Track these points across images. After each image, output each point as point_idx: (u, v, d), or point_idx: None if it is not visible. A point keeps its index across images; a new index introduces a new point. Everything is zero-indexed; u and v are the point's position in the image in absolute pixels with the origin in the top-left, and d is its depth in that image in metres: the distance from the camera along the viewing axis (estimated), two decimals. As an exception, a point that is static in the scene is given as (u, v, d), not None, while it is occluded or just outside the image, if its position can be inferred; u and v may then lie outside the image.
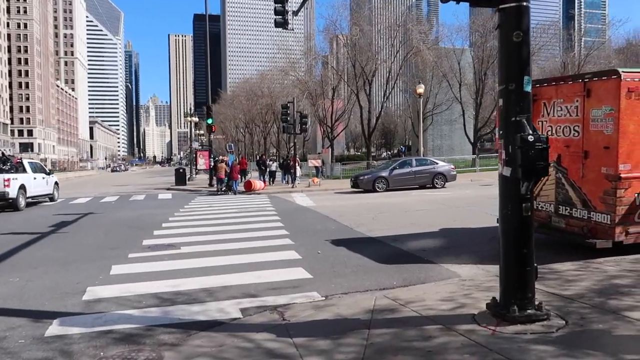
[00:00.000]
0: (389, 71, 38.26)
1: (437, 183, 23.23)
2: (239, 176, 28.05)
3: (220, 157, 35.23)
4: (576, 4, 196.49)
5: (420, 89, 28.04)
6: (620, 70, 7.42)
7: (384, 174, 22.89)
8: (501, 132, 4.76)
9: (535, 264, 4.89)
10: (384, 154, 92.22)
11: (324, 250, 9.37)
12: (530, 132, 4.50)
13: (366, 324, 4.99)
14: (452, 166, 24.80)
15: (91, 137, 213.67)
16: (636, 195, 7.63)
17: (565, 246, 8.41)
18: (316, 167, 32.65)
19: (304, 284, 7.11)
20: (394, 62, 39.45)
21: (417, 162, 23.96)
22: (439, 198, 18.65)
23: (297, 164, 31.11)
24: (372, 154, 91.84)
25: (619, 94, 7.36)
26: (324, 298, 6.35)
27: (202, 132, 58.26)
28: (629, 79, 7.38)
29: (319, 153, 38.50)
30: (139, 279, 7.54)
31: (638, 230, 7.72)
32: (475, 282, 6.43)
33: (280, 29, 15.16)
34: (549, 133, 8.73)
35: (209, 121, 32.71)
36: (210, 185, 30.67)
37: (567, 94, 8.27)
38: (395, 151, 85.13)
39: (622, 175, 7.48)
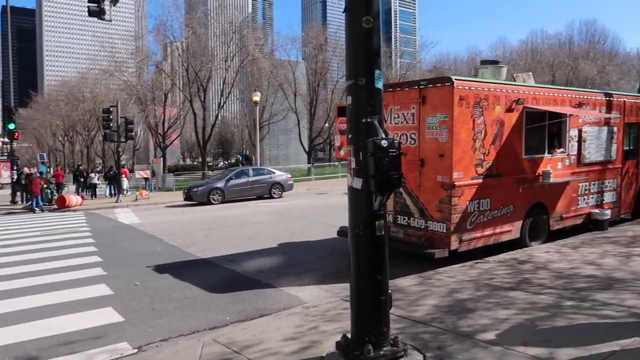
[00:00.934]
0: (224, 78, 36.92)
1: (274, 193, 22.66)
2: (50, 190, 23.97)
3: (26, 169, 29.90)
4: (392, 17, 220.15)
5: (256, 97, 27.35)
6: (453, 77, 7.41)
7: (220, 184, 21.52)
8: (350, 136, 3.96)
9: (390, 290, 4.20)
10: (221, 163, 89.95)
11: (144, 281, 7.76)
12: (383, 136, 3.77)
13: (188, 390, 3.75)
14: (289, 175, 24.51)
15: None
16: (468, 202, 7.70)
17: (405, 257, 8.19)
18: (145, 179, 29.67)
19: (112, 331, 5.52)
20: (229, 68, 38.21)
21: (254, 172, 23.11)
22: (278, 209, 17.99)
23: (125, 175, 27.86)
24: (209, 163, 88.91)
25: (452, 101, 7.32)
26: (135, 350, 4.91)
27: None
28: (460, 87, 7.40)
29: (149, 164, 35.26)
30: None
31: (471, 237, 7.80)
32: (320, 310, 5.61)
33: (106, 28, 12.90)
34: (387, 141, 8.47)
35: (11, 126, 27.38)
36: (13, 202, 25.69)
37: (403, 101, 8.08)
38: (233, 160, 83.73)
39: (456, 184, 7.46)
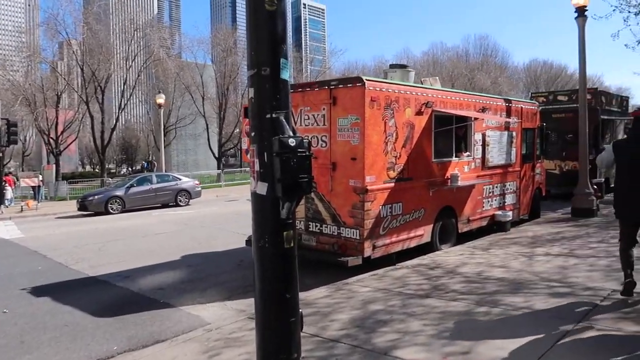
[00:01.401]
0: (124, 79, 34.38)
1: (181, 201, 21.39)
2: None
3: None
4: (302, 25, 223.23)
5: (160, 99, 25.73)
6: (364, 78, 7.15)
7: (119, 192, 19.85)
8: (253, 134, 3.42)
9: (301, 310, 3.70)
10: (124, 170, 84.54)
11: (15, 307, 6.59)
12: (291, 134, 3.28)
13: None
14: (197, 182, 23.31)
15: None
16: (381, 207, 7.48)
17: (318, 266, 7.78)
18: (33, 187, 26.75)
19: (-38, 375, 4.48)
20: (130, 68, 35.71)
21: (158, 179, 21.65)
22: (183, 217, 16.90)
23: (9, 184, 24.89)
24: (112, 170, 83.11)
25: (363, 102, 7.05)
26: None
27: None
28: (372, 88, 7.16)
29: (36, 172, 31.91)
30: None
31: (384, 242, 7.58)
32: (223, 332, 4.98)
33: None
34: (297, 144, 8.04)
35: None
36: None
37: (314, 102, 7.70)
38: (138, 167, 79.09)
39: (369, 188, 7.20)
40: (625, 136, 18.61)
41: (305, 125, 7.85)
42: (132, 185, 20.38)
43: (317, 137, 7.70)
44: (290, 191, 3.29)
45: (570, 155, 16.26)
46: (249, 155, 7.91)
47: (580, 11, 11.69)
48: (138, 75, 37.93)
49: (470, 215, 9.62)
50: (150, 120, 54.34)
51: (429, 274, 6.95)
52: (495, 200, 10.44)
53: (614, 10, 14.39)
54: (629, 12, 14.48)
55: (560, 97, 16.59)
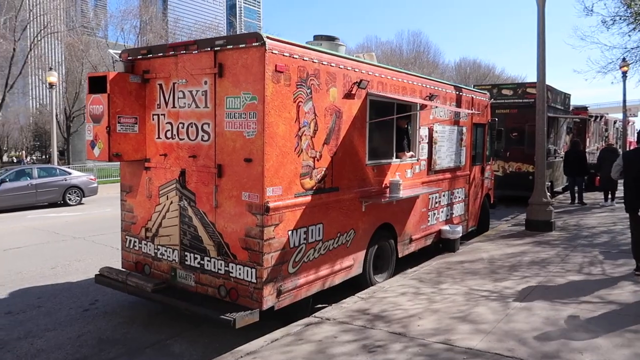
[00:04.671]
0: (12, 53, 29.09)
1: (70, 199, 17.84)
2: None
3: None
4: (237, 13, 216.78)
5: (52, 78, 21.59)
6: (264, 35, 4.61)
7: (-15, 189, 16.04)
8: None
9: None
10: (27, 159, 75.12)
11: None
12: None
13: None
14: (92, 177, 19.70)
15: None
16: (290, 233, 5.01)
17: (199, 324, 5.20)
18: None
19: None
20: (19, 40, 30.36)
21: (41, 172, 17.93)
22: (62, 222, 13.57)
23: None
24: (24, 159, 74.05)
25: (263, 72, 4.52)
26: None
27: None
28: (276, 52, 4.63)
29: None
30: None
31: (295, 284, 5.13)
32: None
33: None
34: (169, 135, 5.37)
35: None
36: None
37: (191, 71, 5.07)
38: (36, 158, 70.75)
39: (272, 205, 4.70)
40: (568, 137, 17.48)
41: (180, 107, 5.20)
42: (4, 180, 16.55)
43: (195, 125, 5.08)
44: None
45: (514, 156, 14.74)
46: (96, 152, 5.11)
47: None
48: (30, 50, 32.73)
49: (413, 233, 7.43)
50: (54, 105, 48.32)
51: (369, 336, 4.60)
52: (443, 212, 8.34)
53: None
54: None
55: (504, 91, 14.98)
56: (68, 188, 17.98)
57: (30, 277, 7.62)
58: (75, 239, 10.84)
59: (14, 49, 29.79)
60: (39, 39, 32.63)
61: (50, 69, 25.00)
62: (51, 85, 21.90)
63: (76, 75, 38.26)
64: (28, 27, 32.14)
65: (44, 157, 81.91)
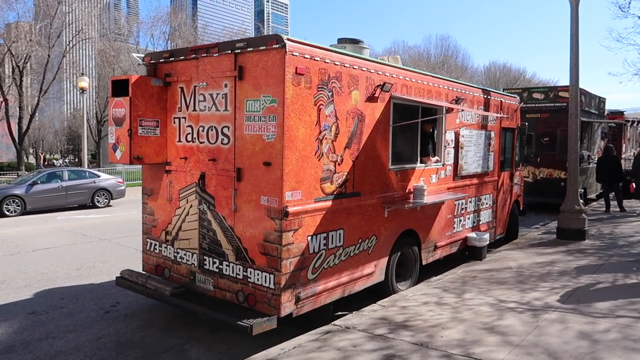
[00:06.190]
0: (46, 59, 29.96)
1: (98, 201, 18.19)
2: None
3: None
4: (264, 19, 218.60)
5: (83, 83, 22.19)
6: (284, 36, 4.54)
7: (19, 191, 16.45)
8: None
9: None
10: (60, 162, 77.04)
11: None
12: None
13: None
14: (120, 179, 20.07)
15: None
16: (310, 238, 4.90)
17: (215, 328, 5.15)
18: None
19: None
20: (53, 47, 31.35)
21: (71, 175, 18.35)
22: (90, 224, 13.82)
23: None
24: (57, 161, 76.08)
25: (283, 75, 4.44)
26: None
27: None
28: (297, 54, 4.55)
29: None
30: None
31: (314, 291, 5.01)
32: None
33: None
34: (189, 138, 5.35)
35: None
36: None
37: (212, 74, 5.03)
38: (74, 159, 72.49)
39: (290, 210, 4.61)
40: (602, 142, 16.88)
41: (201, 110, 5.17)
42: (35, 182, 16.99)
43: (216, 128, 5.04)
44: None
45: (545, 161, 14.28)
46: (118, 155, 5.12)
47: (574, -14, 9.51)
48: (63, 56, 33.75)
49: (438, 240, 7.22)
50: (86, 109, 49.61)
51: (390, 347, 4.44)
52: (469, 218, 8.10)
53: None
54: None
55: (535, 95, 14.55)
56: (97, 190, 18.34)
57: (55, 277, 7.73)
58: (101, 241, 10.99)
59: (49, 55, 30.74)
60: (72, 45, 33.63)
61: (82, 74, 25.69)
62: (82, 90, 22.44)
63: (107, 80, 39.18)
64: (62, 34, 33.10)
65: (76, 159, 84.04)
